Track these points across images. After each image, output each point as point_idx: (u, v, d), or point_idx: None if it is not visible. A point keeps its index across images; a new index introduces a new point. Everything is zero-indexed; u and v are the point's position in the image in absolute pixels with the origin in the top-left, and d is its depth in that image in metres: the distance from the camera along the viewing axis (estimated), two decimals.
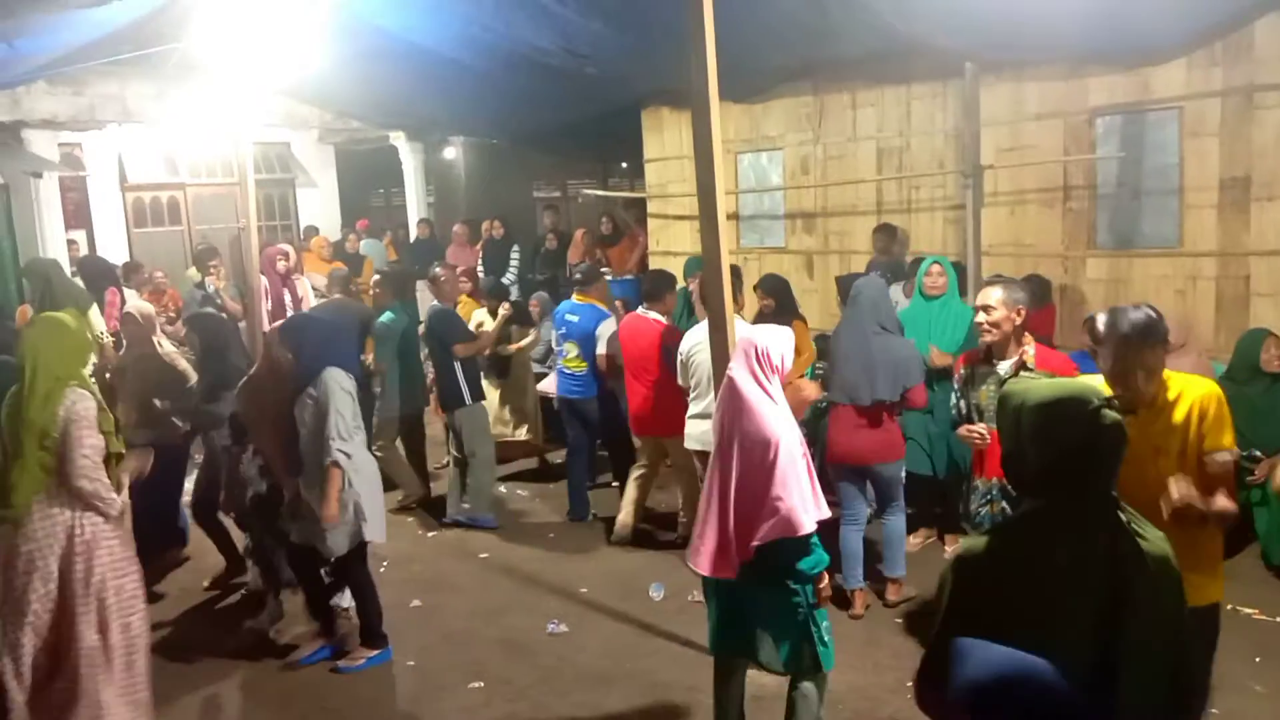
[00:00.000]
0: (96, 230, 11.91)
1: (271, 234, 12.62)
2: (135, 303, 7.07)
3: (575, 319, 6.47)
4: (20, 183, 10.63)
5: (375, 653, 4.73)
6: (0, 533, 3.75)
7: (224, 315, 7.30)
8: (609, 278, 8.40)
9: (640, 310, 6.05)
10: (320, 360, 4.54)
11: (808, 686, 3.48)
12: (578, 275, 6.91)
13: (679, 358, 5.51)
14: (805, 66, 7.72)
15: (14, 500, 3.66)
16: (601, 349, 6.25)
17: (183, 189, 12.85)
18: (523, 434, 7.27)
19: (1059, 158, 6.91)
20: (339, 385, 4.49)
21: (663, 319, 5.92)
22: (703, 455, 5.09)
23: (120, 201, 12.25)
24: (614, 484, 6.78)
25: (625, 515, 6.08)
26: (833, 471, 4.95)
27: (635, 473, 6.14)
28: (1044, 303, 6.34)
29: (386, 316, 6.78)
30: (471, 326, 6.91)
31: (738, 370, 3.44)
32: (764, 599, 3.42)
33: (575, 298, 6.62)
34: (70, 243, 11.00)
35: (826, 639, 3.44)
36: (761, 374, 3.41)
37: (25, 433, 3.65)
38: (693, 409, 5.49)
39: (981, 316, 3.90)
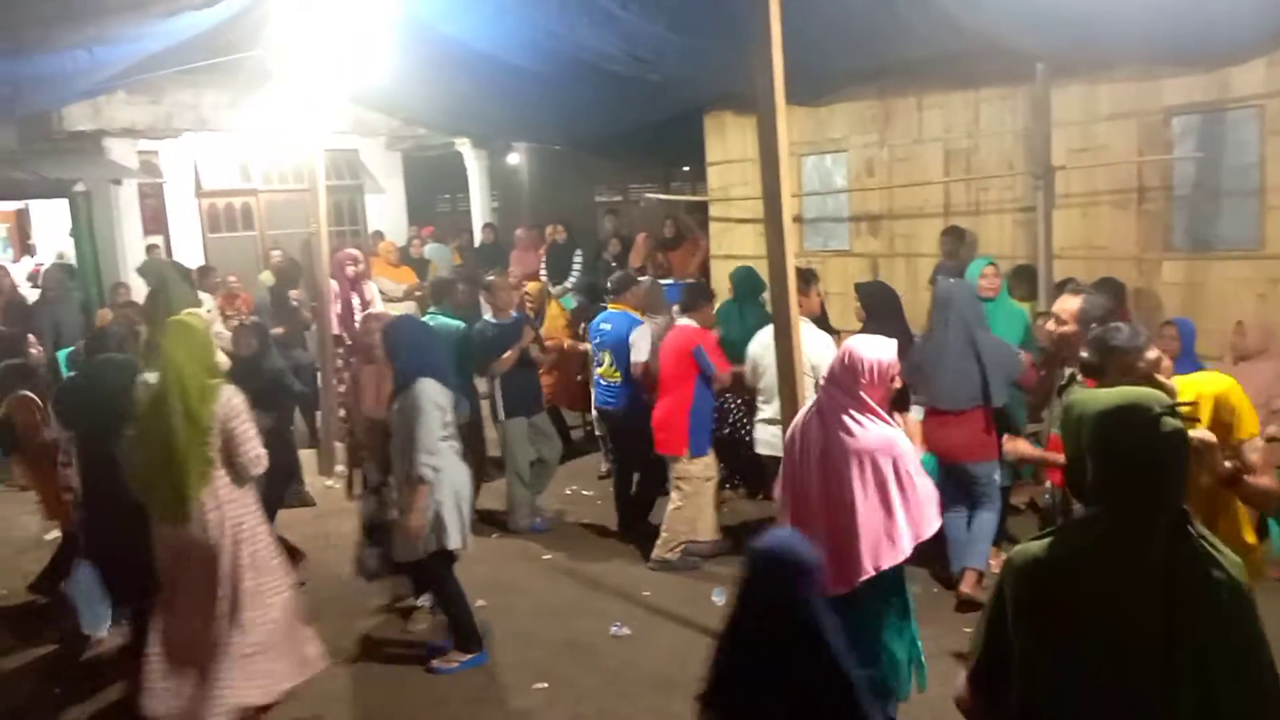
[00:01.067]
0: (173, 235, 12.28)
1: (340, 239, 12.87)
2: (187, 310, 7.28)
3: (608, 327, 6.38)
4: (101, 189, 11.03)
5: (469, 656, 4.74)
6: (166, 529, 3.92)
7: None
8: (668, 282, 8.39)
9: (679, 320, 5.94)
10: (414, 369, 4.57)
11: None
12: (611, 283, 6.84)
13: (748, 359, 5.48)
14: (872, 69, 7.64)
15: (187, 496, 3.83)
16: (636, 357, 6.05)
17: (255, 195, 13.20)
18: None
19: (1134, 158, 6.74)
20: (430, 399, 4.50)
21: (697, 326, 5.80)
22: (772, 460, 5.06)
23: (195, 207, 12.62)
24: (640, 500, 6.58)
25: (665, 545, 5.85)
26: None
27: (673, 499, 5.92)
28: (1117, 308, 6.18)
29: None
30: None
31: (841, 382, 3.33)
32: (853, 614, 3.35)
33: (610, 305, 6.57)
34: (151, 247, 11.36)
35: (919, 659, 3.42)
36: (864, 386, 3.31)
37: (189, 432, 3.80)
38: (764, 413, 5.45)
39: (1051, 325, 3.85)
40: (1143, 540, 1.82)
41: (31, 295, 10.03)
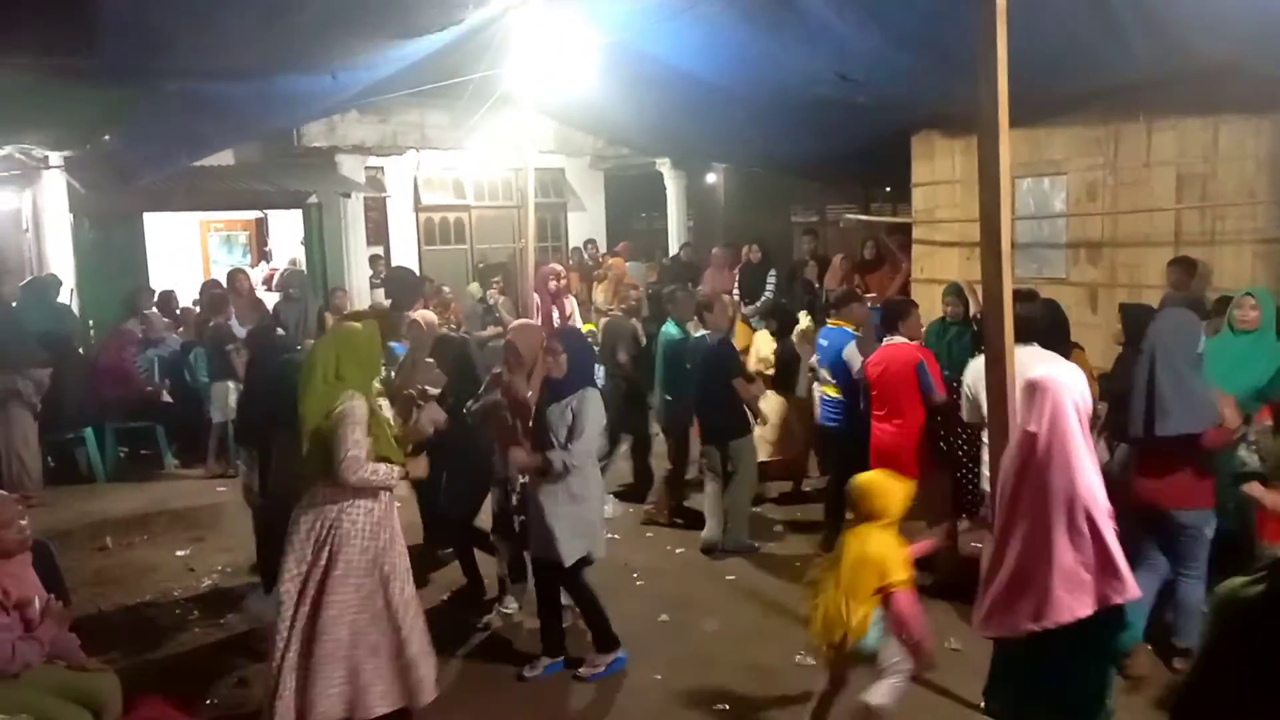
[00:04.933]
0: (392, 246, 13.11)
1: (543, 254, 13.36)
2: (422, 312, 7.72)
3: (825, 343, 6.42)
4: (331, 201, 11.90)
5: (612, 657, 4.84)
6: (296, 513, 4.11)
7: (466, 335, 7.77)
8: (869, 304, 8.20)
9: (887, 339, 5.75)
10: (587, 379, 4.73)
11: None
12: (832, 299, 6.82)
13: (964, 389, 5.21)
14: (1096, 90, 7.21)
15: (308, 487, 4.03)
16: (856, 371, 5.99)
17: (468, 210, 13.91)
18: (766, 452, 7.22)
19: None
20: (597, 408, 4.65)
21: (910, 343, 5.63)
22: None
23: (414, 221, 13.42)
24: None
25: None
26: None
27: None
28: None
29: None
30: (754, 351, 7.03)
31: (1034, 412, 3.11)
32: (1060, 665, 3.13)
33: (830, 321, 6.54)
34: (374, 257, 12.17)
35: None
36: (1078, 421, 3.09)
37: (313, 431, 3.98)
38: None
39: None
40: None
41: (266, 298, 10.92)
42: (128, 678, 4.20)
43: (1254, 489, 3.71)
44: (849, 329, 6.36)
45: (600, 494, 4.90)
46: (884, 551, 3.71)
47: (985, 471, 5.21)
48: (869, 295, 8.72)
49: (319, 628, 3.96)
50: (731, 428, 6.45)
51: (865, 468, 5.79)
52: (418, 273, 11.90)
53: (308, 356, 4.17)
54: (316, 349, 4.19)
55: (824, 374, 6.41)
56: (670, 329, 6.97)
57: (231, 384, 7.87)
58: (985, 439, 5.17)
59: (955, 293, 6.78)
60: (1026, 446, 3.09)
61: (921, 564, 5.88)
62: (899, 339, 5.67)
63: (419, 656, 4.12)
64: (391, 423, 4.28)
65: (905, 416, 5.55)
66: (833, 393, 6.35)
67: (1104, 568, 3.00)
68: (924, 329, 6.26)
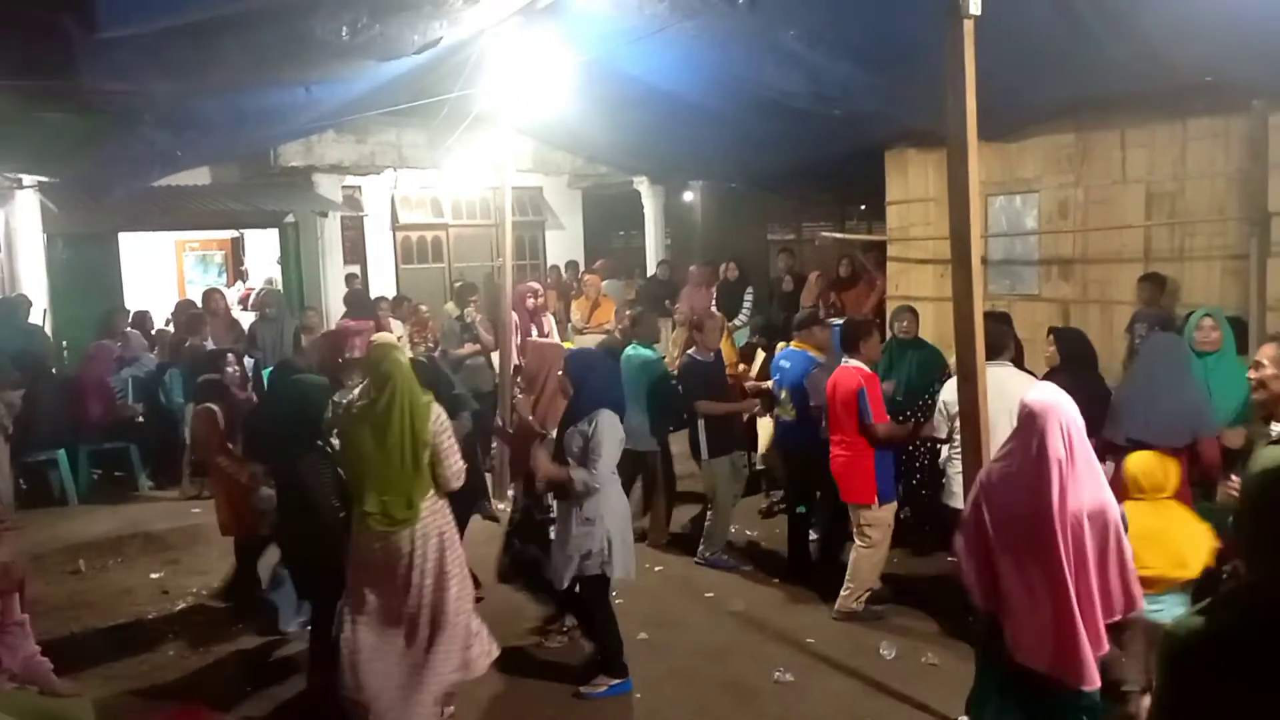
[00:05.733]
0: (370, 265, 13.08)
1: (521, 273, 13.37)
2: (382, 334, 7.70)
3: (787, 365, 6.36)
4: (308, 221, 11.89)
5: (616, 681, 4.81)
6: (372, 536, 4.20)
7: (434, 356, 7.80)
8: (838, 322, 8.25)
9: (844, 360, 5.71)
10: (599, 400, 4.70)
11: None
12: (794, 321, 6.80)
13: (940, 406, 5.24)
14: (1068, 104, 7.32)
15: (413, 504, 4.14)
16: (816, 399, 5.99)
17: (445, 229, 13.91)
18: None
19: None
20: (612, 429, 4.65)
21: (864, 367, 5.58)
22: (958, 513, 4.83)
23: (391, 240, 13.41)
24: (813, 538, 6.49)
25: (849, 597, 5.68)
26: None
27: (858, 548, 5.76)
28: None
29: None
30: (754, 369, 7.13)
31: (1050, 439, 3.11)
32: (1053, 693, 3.17)
33: (792, 344, 6.54)
34: (350, 276, 12.14)
35: None
36: (1071, 441, 3.12)
37: (414, 446, 4.11)
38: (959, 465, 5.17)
39: (1251, 373, 3.56)
40: None
41: (242, 317, 10.87)
42: (101, 703, 4.15)
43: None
44: (810, 352, 6.33)
45: (623, 514, 4.82)
46: (1180, 526, 3.86)
47: (956, 490, 5.26)
48: (843, 315, 8.80)
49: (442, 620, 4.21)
50: (714, 446, 6.48)
51: (827, 489, 5.85)
52: (395, 291, 11.92)
53: (390, 379, 4.17)
54: (395, 372, 4.19)
55: (782, 396, 6.34)
56: (640, 350, 6.92)
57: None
58: (952, 451, 5.24)
59: (909, 311, 6.87)
60: (1051, 474, 3.07)
61: (897, 583, 5.99)
62: (855, 362, 5.59)
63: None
64: None
65: (855, 439, 5.53)
66: (789, 416, 6.30)
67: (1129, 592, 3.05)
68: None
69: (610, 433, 4.61)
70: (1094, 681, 3.08)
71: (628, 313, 8.04)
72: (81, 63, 4.86)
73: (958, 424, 5.07)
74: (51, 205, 9.49)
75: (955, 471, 5.15)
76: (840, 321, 8.19)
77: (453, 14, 5.73)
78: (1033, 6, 5.27)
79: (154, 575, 6.70)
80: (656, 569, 6.54)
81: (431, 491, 4.22)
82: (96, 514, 7.78)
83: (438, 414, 4.22)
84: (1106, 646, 3.12)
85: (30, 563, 6.61)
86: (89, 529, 7.38)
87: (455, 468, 4.23)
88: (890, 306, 9.34)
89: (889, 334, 6.94)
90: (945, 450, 5.36)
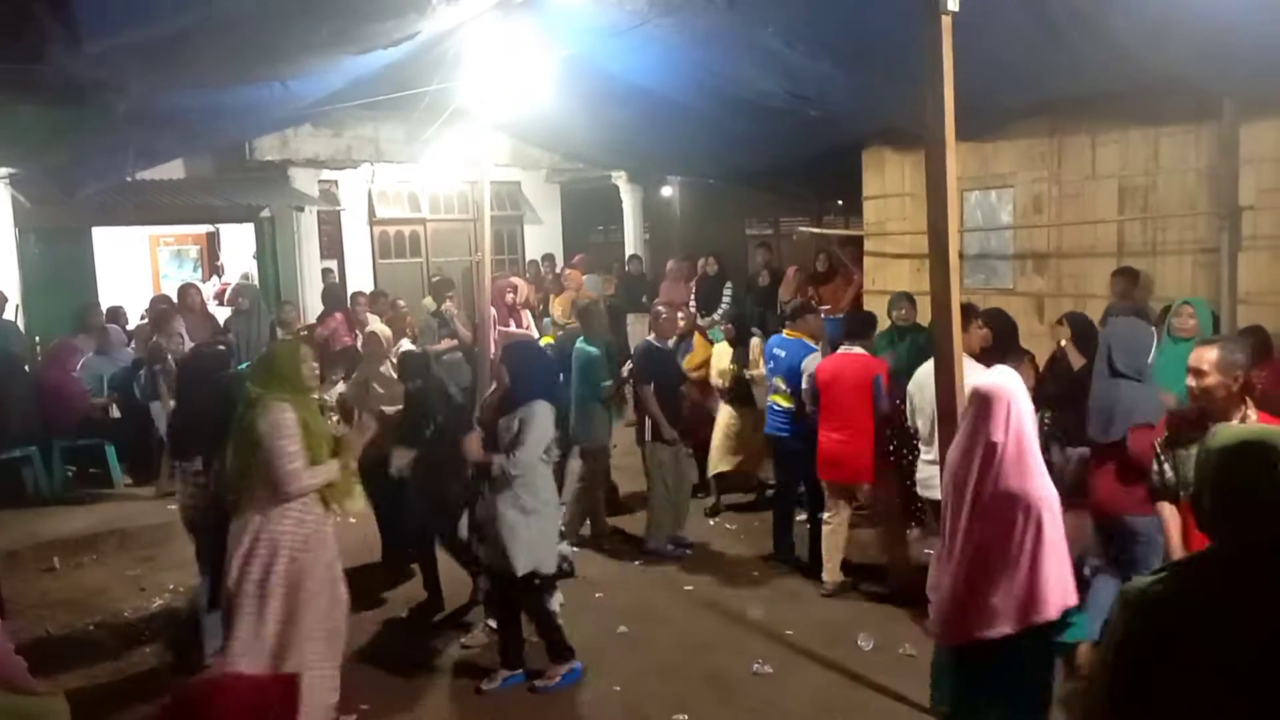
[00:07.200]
0: (347, 260, 13.00)
1: (499, 267, 13.33)
2: (379, 325, 7.69)
3: (782, 354, 6.45)
4: (284, 215, 11.79)
5: (568, 667, 4.85)
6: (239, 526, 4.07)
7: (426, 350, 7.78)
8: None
9: (844, 348, 5.91)
10: (533, 392, 4.71)
11: None
12: (788, 310, 6.88)
13: (908, 397, 5.35)
14: (1043, 104, 7.38)
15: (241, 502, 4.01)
16: (807, 385, 6.12)
17: (423, 224, 13.84)
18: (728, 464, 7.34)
19: None
20: (540, 420, 4.65)
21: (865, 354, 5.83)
22: (934, 504, 4.90)
23: (368, 235, 13.32)
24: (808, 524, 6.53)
25: (831, 572, 5.91)
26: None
27: (828, 524, 5.95)
28: (1264, 357, 5.42)
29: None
30: (713, 363, 7.17)
31: (994, 422, 3.20)
32: (1000, 664, 3.22)
33: (785, 332, 6.61)
34: (326, 271, 12.06)
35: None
36: (1014, 427, 3.19)
37: (244, 442, 3.98)
38: (928, 454, 5.24)
39: (1191, 381, 3.53)
40: (1263, 581, 1.73)
41: (218, 312, 10.77)
42: (77, 701, 4.11)
43: (1163, 509, 3.77)
44: (806, 340, 6.44)
45: (554, 508, 4.86)
46: None
47: (921, 476, 5.36)
48: (822, 307, 8.85)
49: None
50: (657, 430, 6.61)
51: (812, 475, 5.98)
52: (373, 286, 11.85)
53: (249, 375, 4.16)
54: (257, 368, 4.21)
55: (777, 383, 6.44)
56: (584, 346, 6.88)
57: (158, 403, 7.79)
58: (919, 443, 5.33)
59: (906, 299, 6.96)
60: (988, 455, 3.15)
61: (876, 573, 6.04)
62: (857, 349, 5.79)
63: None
64: (333, 432, 4.30)
65: (855, 427, 5.69)
66: (784, 402, 6.39)
67: (1036, 583, 3.09)
68: (875, 339, 6.41)
69: (538, 423, 4.63)
70: (957, 640, 3.18)
71: (574, 306, 8.04)
72: (54, 51, 4.80)
73: (920, 419, 5.20)
74: (23, 199, 9.36)
75: (924, 459, 5.24)
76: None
77: (431, 13, 5.72)
78: (1007, 11, 5.31)
79: (130, 573, 6.66)
80: (635, 563, 6.56)
81: (268, 493, 3.96)
82: (71, 511, 7.70)
83: (277, 411, 3.95)
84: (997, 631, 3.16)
85: (4, 561, 6.57)
86: (64, 526, 7.31)
87: (283, 470, 3.90)
88: (866, 301, 9.43)
89: (888, 321, 7.04)
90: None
